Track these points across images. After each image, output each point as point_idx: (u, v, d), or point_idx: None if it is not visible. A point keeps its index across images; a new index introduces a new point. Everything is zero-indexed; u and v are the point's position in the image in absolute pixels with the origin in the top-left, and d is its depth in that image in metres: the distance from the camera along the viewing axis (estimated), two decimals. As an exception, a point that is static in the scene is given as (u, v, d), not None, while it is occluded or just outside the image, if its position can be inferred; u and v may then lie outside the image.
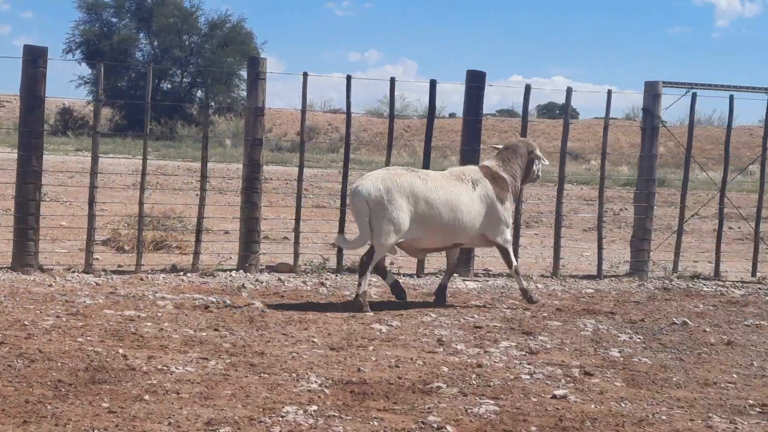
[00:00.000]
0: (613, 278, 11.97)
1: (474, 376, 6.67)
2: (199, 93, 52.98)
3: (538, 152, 10.13)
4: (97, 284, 9.82)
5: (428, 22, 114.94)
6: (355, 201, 9.19)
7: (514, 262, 9.82)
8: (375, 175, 9.23)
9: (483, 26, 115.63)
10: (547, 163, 10.31)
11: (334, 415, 5.56)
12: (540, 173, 10.32)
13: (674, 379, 6.94)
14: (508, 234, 9.77)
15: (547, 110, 58.36)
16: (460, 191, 9.37)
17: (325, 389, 6.12)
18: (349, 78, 11.50)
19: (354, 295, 9.23)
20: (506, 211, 9.67)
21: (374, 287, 10.16)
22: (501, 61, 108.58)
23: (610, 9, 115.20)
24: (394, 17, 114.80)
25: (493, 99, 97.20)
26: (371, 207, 9.05)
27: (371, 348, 7.41)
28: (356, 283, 9.37)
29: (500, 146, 10.24)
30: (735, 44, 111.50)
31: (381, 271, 9.55)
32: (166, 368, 6.44)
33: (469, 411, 5.79)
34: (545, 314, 9.30)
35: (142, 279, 10.20)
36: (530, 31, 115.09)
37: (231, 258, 11.35)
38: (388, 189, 9.06)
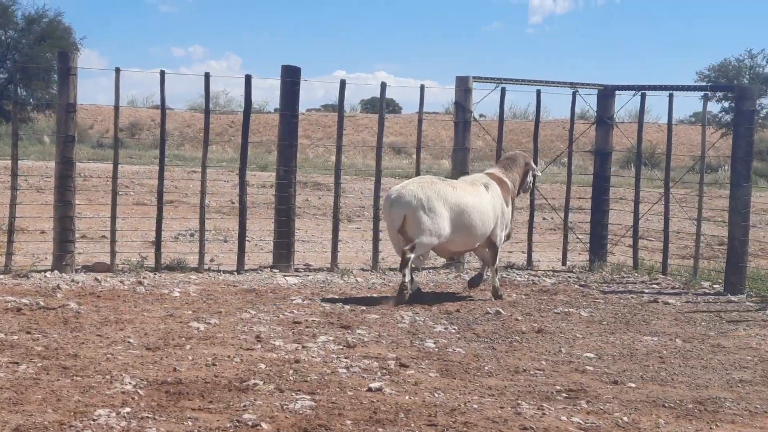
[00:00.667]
0: (431, 270, 12.17)
1: (291, 371, 6.70)
2: (15, 89, 51.31)
3: (532, 164, 11.18)
4: None
5: (253, 18, 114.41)
6: (395, 209, 9.79)
7: (498, 263, 10.68)
8: (413, 184, 9.95)
9: (306, 21, 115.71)
10: (539, 174, 11.47)
11: (147, 417, 5.50)
12: (531, 184, 11.55)
13: (486, 368, 7.14)
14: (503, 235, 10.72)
15: (371, 105, 58.83)
16: (481, 196, 10.23)
17: (139, 390, 6.04)
18: (162, 73, 11.34)
19: (398, 285, 9.85)
20: (509, 213, 10.71)
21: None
22: (325, 56, 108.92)
23: (431, 5, 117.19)
24: (217, 13, 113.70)
25: (318, 94, 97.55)
26: (412, 213, 9.69)
27: (188, 347, 7.35)
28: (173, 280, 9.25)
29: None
30: (548, 40, 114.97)
31: None
32: (-28, 375, 6.22)
33: (284, 407, 5.81)
34: (364, 308, 9.40)
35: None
36: (354, 26, 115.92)
37: (46, 258, 11.02)
38: (429, 197, 9.78)
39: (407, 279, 9.69)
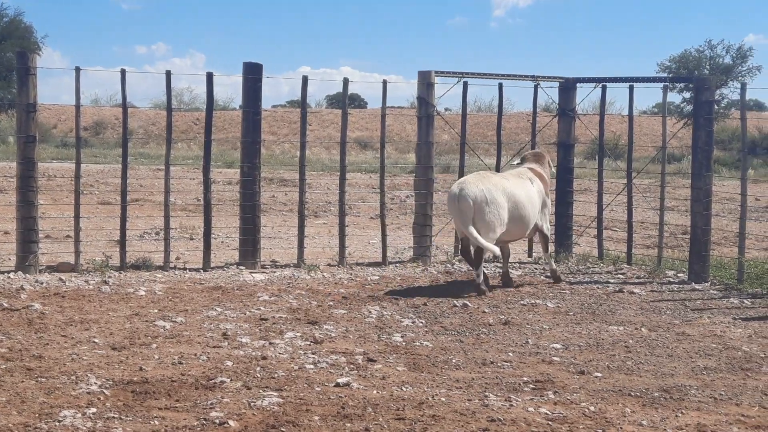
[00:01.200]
0: (398, 264, 12.18)
1: (258, 368, 6.68)
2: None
3: (549, 161, 11.86)
4: None
5: (216, 15, 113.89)
6: (461, 203, 10.19)
7: (551, 248, 11.65)
8: (473, 179, 10.45)
9: (271, 17, 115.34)
10: (553, 170, 12.16)
11: (113, 417, 5.46)
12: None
13: (454, 361, 7.15)
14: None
15: (336, 100, 58.78)
16: (529, 189, 10.86)
17: (105, 390, 6.00)
18: (123, 72, 11.28)
19: (475, 283, 10.32)
20: (550, 204, 11.60)
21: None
22: (290, 52, 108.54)
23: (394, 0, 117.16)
24: (180, 10, 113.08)
25: (283, 90, 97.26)
26: (477, 207, 10.16)
27: (154, 346, 7.30)
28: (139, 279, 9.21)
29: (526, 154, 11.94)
30: (511, 33, 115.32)
31: None
32: (-67, 379, 6.14)
33: (252, 404, 5.80)
34: (331, 303, 9.39)
35: None
36: (319, 21, 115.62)
37: (9, 259, 10.94)
38: (489, 190, 10.29)
39: (481, 279, 10.33)
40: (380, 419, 5.63)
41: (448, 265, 12.08)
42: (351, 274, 11.32)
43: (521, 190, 10.68)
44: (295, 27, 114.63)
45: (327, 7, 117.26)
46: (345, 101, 12.55)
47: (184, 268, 11.23)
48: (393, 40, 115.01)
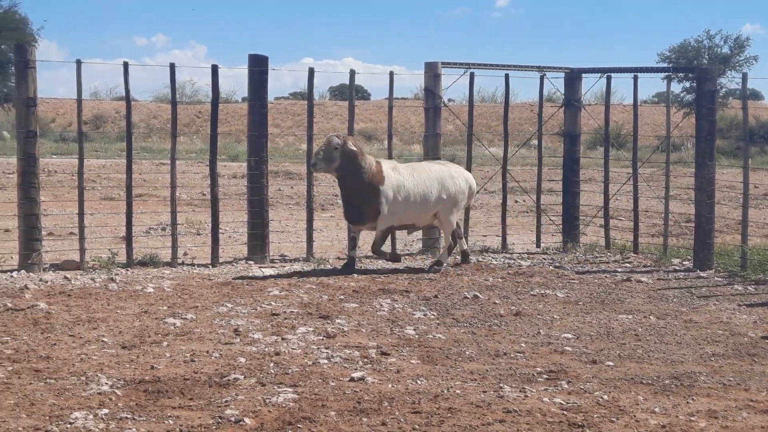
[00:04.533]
0: (407, 256, 12.11)
1: (272, 364, 6.61)
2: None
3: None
4: None
5: (216, 5, 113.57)
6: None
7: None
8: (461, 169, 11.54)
9: (271, 8, 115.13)
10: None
11: (126, 417, 5.38)
12: None
13: (467, 353, 7.10)
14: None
15: (339, 92, 58.65)
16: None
17: (116, 390, 5.91)
18: (126, 64, 11.15)
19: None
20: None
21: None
22: (292, 43, 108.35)
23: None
24: (179, 0, 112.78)
25: (285, 82, 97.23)
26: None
27: (165, 344, 7.21)
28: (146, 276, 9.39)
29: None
30: (514, 23, 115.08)
31: None
32: (-60, 382, 6.05)
33: (267, 401, 5.73)
34: (342, 296, 9.32)
35: None
36: (319, 13, 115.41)
37: (12, 258, 10.84)
38: None
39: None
40: (396, 413, 5.57)
41: (457, 257, 12.01)
42: (359, 266, 11.24)
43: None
44: (297, 18, 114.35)
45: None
46: (352, 93, 12.50)
47: (193, 264, 11.15)
48: (394, 31, 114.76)
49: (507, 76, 13.03)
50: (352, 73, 12.16)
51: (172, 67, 11.30)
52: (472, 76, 12.67)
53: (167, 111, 48.65)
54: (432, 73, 12.46)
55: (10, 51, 48.82)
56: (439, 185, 11.02)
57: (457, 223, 11.51)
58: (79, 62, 10.85)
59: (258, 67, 11.50)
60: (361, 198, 10.68)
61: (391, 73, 12.38)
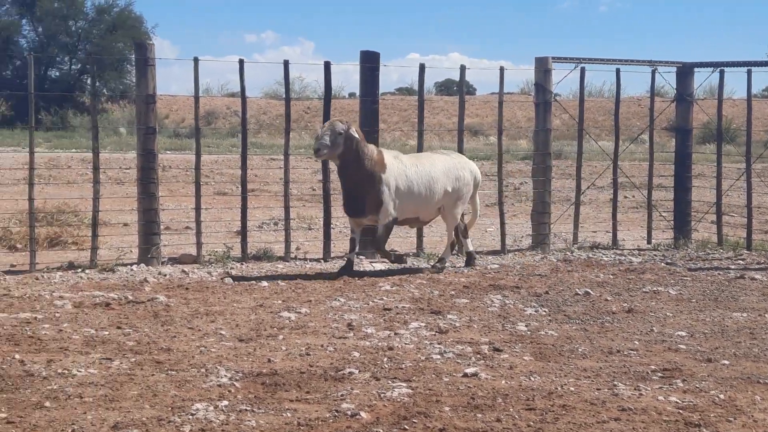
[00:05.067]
0: (516, 252, 12.10)
1: (385, 359, 6.66)
2: (89, 80, 52.05)
3: None
4: (-12, 286, 9.41)
5: (324, 2, 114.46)
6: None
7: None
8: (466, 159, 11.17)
9: (378, 3, 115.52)
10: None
11: (246, 409, 5.48)
12: None
13: (580, 350, 7.06)
14: None
15: (445, 87, 58.66)
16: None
17: (235, 383, 6.02)
18: (242, 62, 11.37)
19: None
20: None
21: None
22: (397, 39, 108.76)
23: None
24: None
25: (392, 77, 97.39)
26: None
27: (281, 337, 7.33)
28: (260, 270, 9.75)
29: None
30: (621, 18, 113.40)
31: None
32: (67, 372, 6.23)
33: (382, 395, 5.78)
34: (453, 292, 9.35)
35: (37, 278, 9.84)
36: (425, 8, 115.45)
37: (131, 251, 11.11)
38: None
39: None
40: (510, 409, 5.57)
41: (567, 253, 11.95)
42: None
43: None
44: (402, 14, 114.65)
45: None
46: (462, 88, 12.56)
47: (305, 259, 11.31)
48: (499, 25, 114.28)
49: (618, 71, 12.94)
50: (462, 68, 12.18)
51: (286, 64, 11.46)
52: (582, 71, 12.62)
53: (276, 107, 49.40)
54: (542, 68, 12.44)
55: (125, 49, 50.04)
56: (444, 176, 10.63)
57: (463, 221, 11.16)
58: (196, 60, 11.07)
59: (369, 63, 11.60)
60: (363, 187, 10.18)
61: (502, 68, 12.37)
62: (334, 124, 10.15)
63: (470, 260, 11.11)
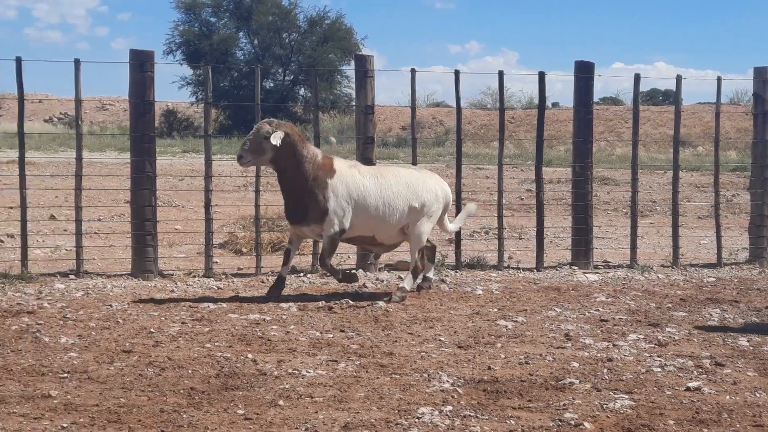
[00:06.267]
0: (733, 266, 11.81)
1: (605, 370, 6.65)
2: (302, 91, 53.51)
3: None
4: (219, 288, 9.90)
5: (527, 12, 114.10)
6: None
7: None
8: (435, 176, 9.90)
9: (582, 13, 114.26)
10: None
11: (470, 415, 5.57)
12: None
13: (807, 368, 6.85)
14: None
15: (650, 97, 57.38)
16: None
17: (457, 389, 6.13)
18: (457, 73, 11.56)
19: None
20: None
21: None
22: (601, 48, 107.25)
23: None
24: (493, 8, 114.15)
25: (596, 86, 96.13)
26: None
27: (499, 345, 7.42)
28: (474, 278, 9.82)
29: None
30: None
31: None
32: (296, 372, 6.48)
33: (604, 406, 5.78)
34: (669, 305, 9.23)
35: (263, 281, 10.26)
36: (629, 17, 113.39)
37: (349, 257, 11.43)
38: None
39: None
40: (737, 425, 5.47)
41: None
42: (685, 275, 11.08)
43: None
44: (604, 23, 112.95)
45: (638, 3, 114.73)
46: (678, 99, 12.43)
47: (518, 268, 11.38)
48: (704, 35, 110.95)
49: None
50: (679, 78, 12.08)
51: (501, 74, 11.61)
52: (805, 80, 12.21)
53: (481, 117, 49.61)
54: (761, 78, 12.15)
55: (336, 60, 51.28)
56: (409, 192, 9.43)
57: (429, 242, 9.97)
58: (413, 71, 11.37)
59: (584, 73, 11.59)
60: (304, 192, 9.14)
61: (719, 78, 12.14)
62: (260, 126, 9.17)
63: (425, 283, 9.97)
